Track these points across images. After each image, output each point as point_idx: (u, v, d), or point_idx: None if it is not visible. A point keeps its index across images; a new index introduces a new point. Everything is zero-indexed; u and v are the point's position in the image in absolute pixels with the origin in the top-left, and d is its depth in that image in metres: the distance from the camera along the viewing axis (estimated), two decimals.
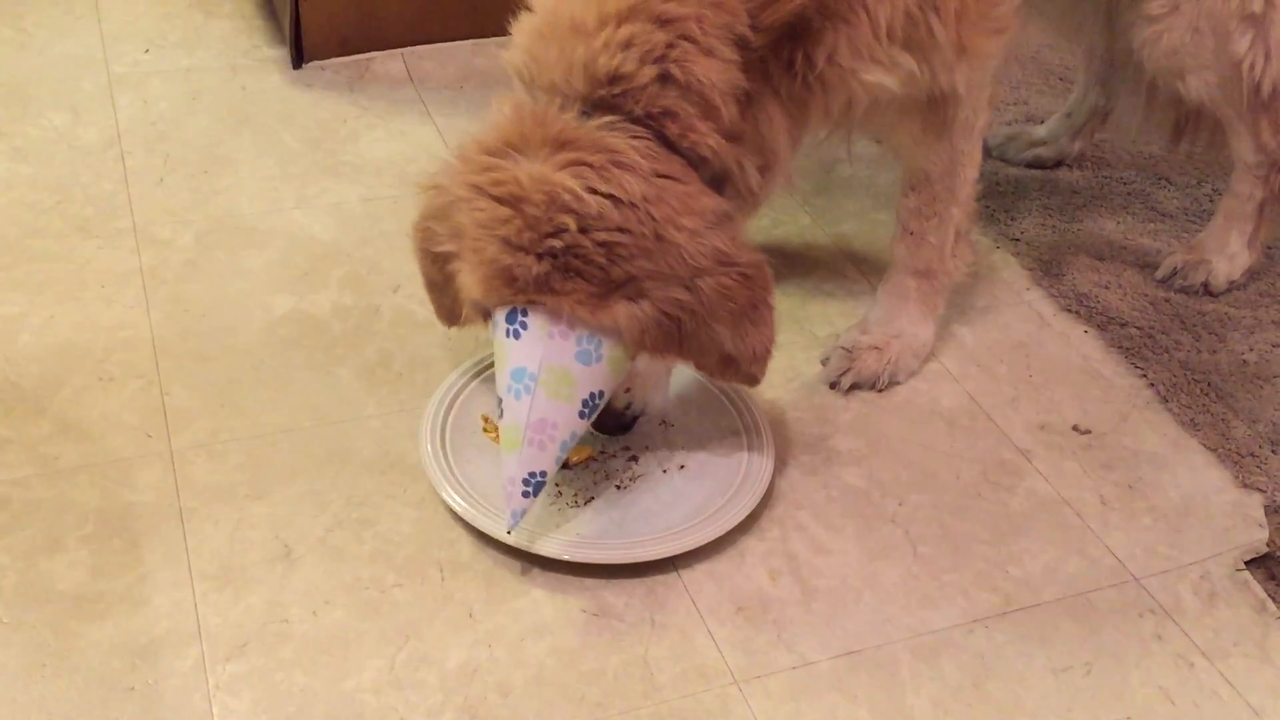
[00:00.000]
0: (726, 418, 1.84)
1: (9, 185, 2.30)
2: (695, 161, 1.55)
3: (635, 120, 1.51)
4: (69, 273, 2.10)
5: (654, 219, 1.49)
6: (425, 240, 1.65)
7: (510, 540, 1.61)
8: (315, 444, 1.80)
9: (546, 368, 1.52)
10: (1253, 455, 1.88)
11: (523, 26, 1.59)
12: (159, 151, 2.41)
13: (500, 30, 2.82)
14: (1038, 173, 2.51)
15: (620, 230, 1.47)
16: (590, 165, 1.47)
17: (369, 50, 2.74)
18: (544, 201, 1.47)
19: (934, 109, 1.81)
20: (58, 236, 2.18)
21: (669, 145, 1.52)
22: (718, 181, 1.59)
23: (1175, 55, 2.02)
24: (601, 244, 1.47)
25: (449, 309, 1.73)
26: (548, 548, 1.62)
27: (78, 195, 2.28)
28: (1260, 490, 1.82)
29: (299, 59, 2.69)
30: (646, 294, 1.50)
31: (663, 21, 1.50)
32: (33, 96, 2.54)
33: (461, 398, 1.83)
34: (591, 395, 1.56)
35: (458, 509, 1.66)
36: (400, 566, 1.63)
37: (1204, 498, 1.82)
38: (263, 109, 2.55)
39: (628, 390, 1.70)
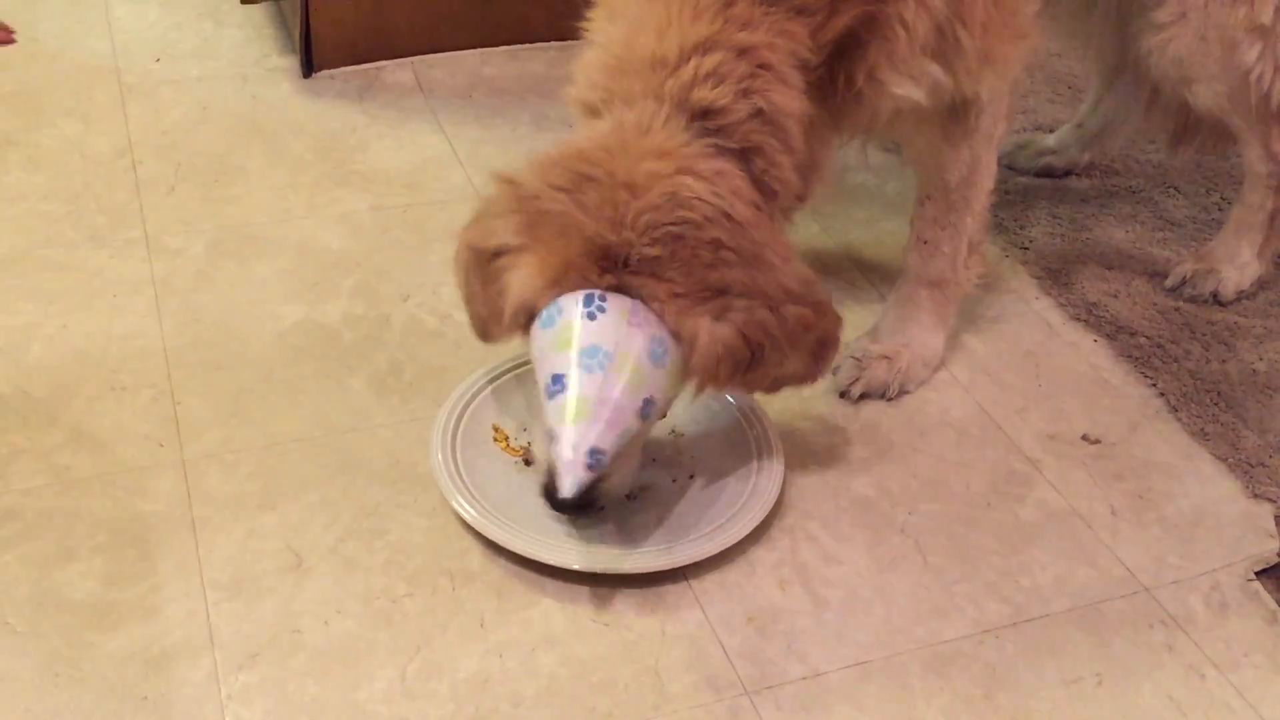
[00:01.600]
0: (736, 428, 1.84)
1: (21, 195, 2.31)
2: (768, 196, 1.56)
3: (732, 153, 1.52)
4: (80, 282, 2.10)
5: (754, 240, 1.50)
6: (477, 238, 1.59)
7: (522, 550, 1.62)
8: (326, 454, 1.81)
9: (620, 354, 1.48)
10: (1263, 465, 1.88)
11: (589, 63, 1.58)
12: (170, 161, 2.42)
13: (510, 39, 2.86)
14: (1047, 182, 2.51)
15: (730, 236, 1.49)
16: (703, 179, 1.48)
17: (379, 59, 2.75)
18: (662, 194, 1.47)
19: (954, 117, 1.82)
20: (69, 246, 2.19)
21: (755, 179, 1.54)
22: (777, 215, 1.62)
23: (1182, 64, 2.02)
24: (712, 242, 1.48)
25: (485, 318, 1.66)
26: (559, 557, 1.62)
27: (89, 205, 2.29)
28: (1270, 500, 1.82)
29: (309, 68, 2.70)
30: (731, 313, 1.50)
31: (741, 51, 1.50)
32: (44, 106, 2.55)
33: (472, 407, 1.83)
34: (651, 399, 1.52)
35: (469, 518, 1.67)
36: (411, 576, 1.63)
37: (1214, 508, 1.82)
38: (273, 118, 2.56)
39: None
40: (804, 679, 1.54)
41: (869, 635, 1.60)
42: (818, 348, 1.61)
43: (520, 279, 1.52)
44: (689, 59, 1.50)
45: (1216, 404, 1.98)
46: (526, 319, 1.54)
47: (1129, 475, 1.86)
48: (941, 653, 1.58)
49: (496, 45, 2.83)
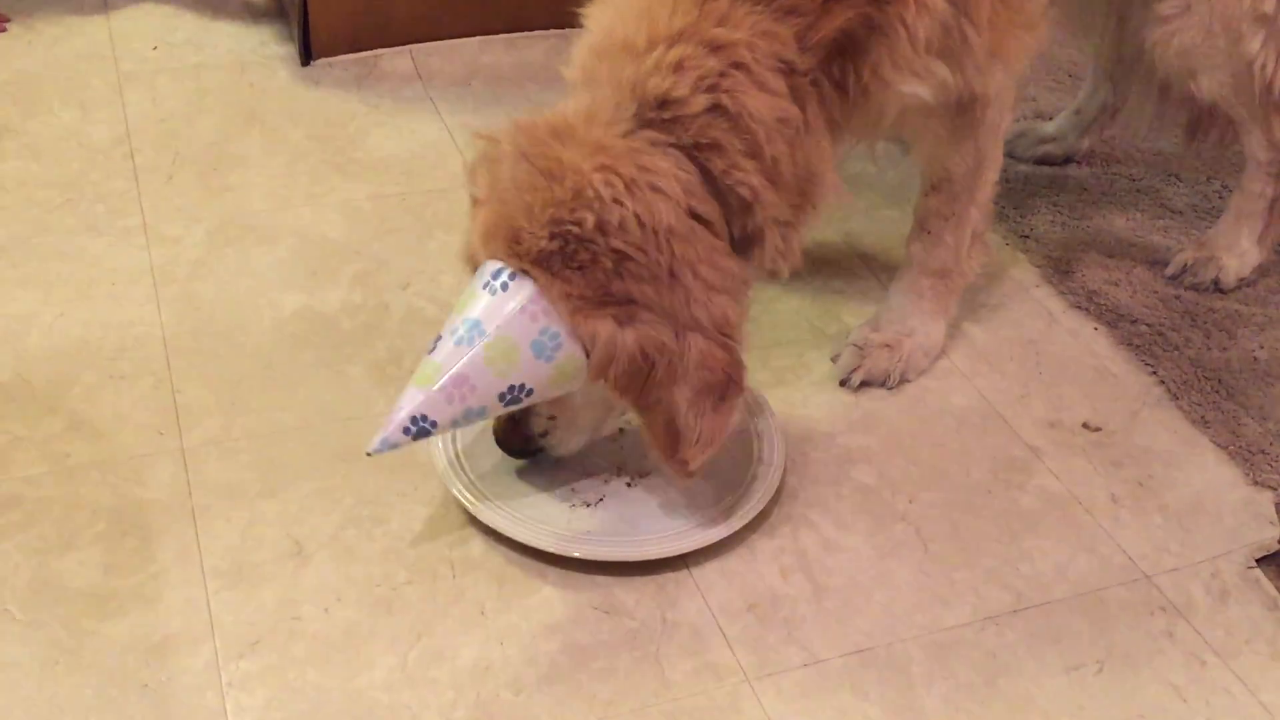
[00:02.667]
0: (736, 416, 1.83)
1: (19, 183, 2.30)
2: (735, 207, 1.52)
3: (682, 148, 1.49)
4: (79, 270, 2.10)
5: (673, 254, 1.46)
6: (470, 181, 1.61)
7: (523, 538, 1.62)
8: (326, 442, 1.80)
9: (500, 336, 1.48)
10: (1264, 452, 1.87)
11: (582, 43, 1.59)
12: (168, 149, 2.41)
13: (508, 27, 2.85)
14: (1047, 170, 2.51)
15: (639, 249, 1.45)
16: (622, 177, 1.45)
17: (377, 47, 2.74)
18: (572, 189, 1.45)
19: (961, 112, 1.80)
20: (68, 234, 2.18)
21: (711, 181, 1.50)
22: (748, 241, 1.57)
23: (1187, 56, 2.02)
24: (615, 252, 1.45)
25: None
26: (559, 545, 1.62)
27: (87, 193, 2.28)
28: (1271, 488, 1.82)
29: (307, 56, 2.69)
30: (635, 323, 1.46)
31: (714, 47, 1.47)
32: (42, 94, 2.54)
33: None
34: (520, 386, 1.50)
35: (469, 506, 1.66)
36: (412, 564, 1.63)
37: (1215, 495, 1.82)
38: (271, 106, 2.55)
39: (551, 418, 1.65)
40: (805, 666, 1.54)
41: (870, 622, 1.60)
42: (718, 392, 1.51)
43: (474, 227, 1.55)
44: (655, 47, 1.48)
45: (1217, 391, 1.98)
46: (472, 268, 1.57)
47: (1129, 463, 1.86)
48: (942, 640, 1.59)
49: (495, 33, 2.82)
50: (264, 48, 2.73)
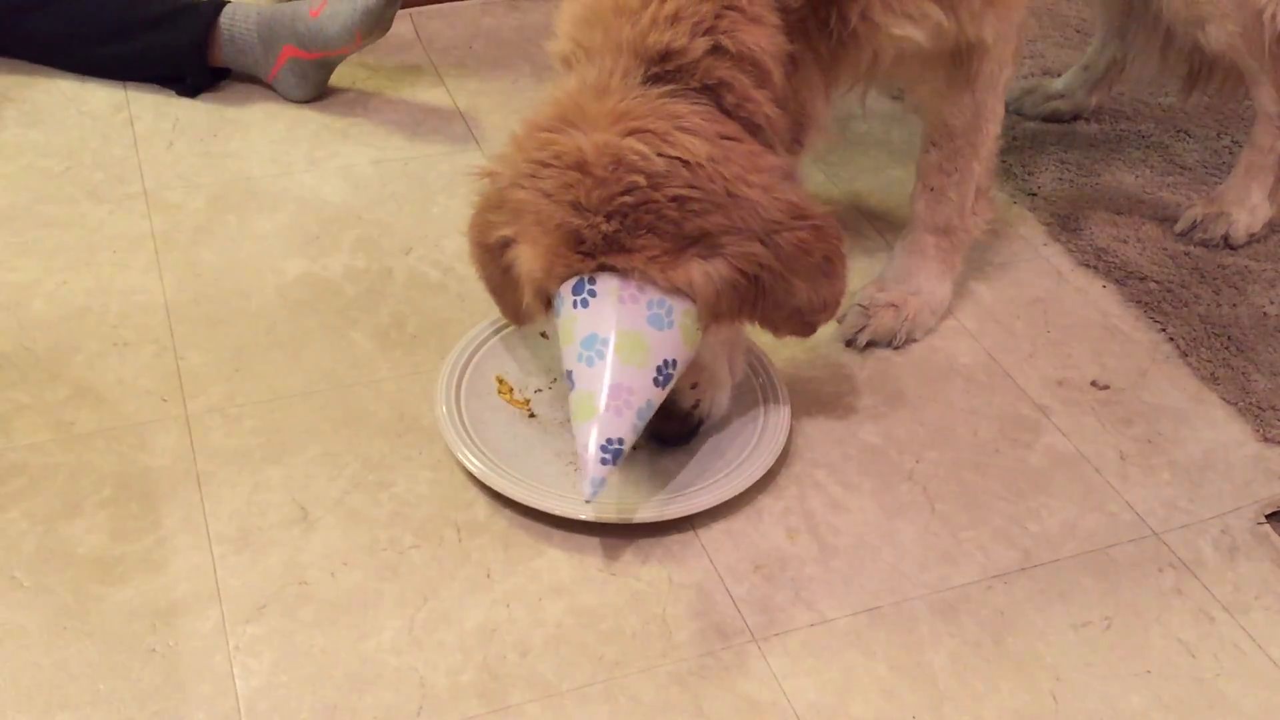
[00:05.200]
0: (742, 377, 1.82)
1: (19, 151, 2.29)
2: (751, 128, 1.54)
3: (693, 91, 1.50)
4: (80, 238, 2.09)
5: (724, 177, 1.47)
6: (481, 234, 1.61)
7: (528, 501, 1.62)
8: (330, 407, 1.80)
9: (619, 333, 1.48)
10: (1273, 409, 1.86)
11: (565, 15, 1.58)
12: (167, 116, 2.39)
13: None
14: (1055, 126, 2.48)
15: (692, 186, 1.46)
16: (653, 132, 1.46)
17: None
18: (610, 164, 1.45)
19: (959, 62, 1.79)
20: (68, 202, 2.17)
21: (726, 113, 1.52)
22: (768, 147, 1.57)
23: (1195, 4, 1.99)
24: (674, 198, 1.45)
25: (514, 305, 1.67)
26: (565, 507, 1.62)
27: (87, 160, 2.27)
28: None
29: None
30: (721, 251, 1.48)
31: None
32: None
33: (476, 359, 1.82)
34: (666, 362, 1.51)
35: (474, 470, 1.66)
36: (417, 528, 1.63)
37: (1224, 452, 1.80)
38: None
39: (694, 387, 1.66)
40: (812, 626, 1.54)
41: (877, 582, 1.59)
42: (825, 267, 1.56)
43: (525, 270, 1.54)
44: (649, 4, 1.48)
45: (1227, 348, 1.97)
46: (545, 301, 1.56)
47: (1138, 420, 1.85)
48: (950, 598, 1.58)
49: None
50: None
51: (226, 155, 2.30)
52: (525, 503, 1.63)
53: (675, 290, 1.49)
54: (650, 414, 1.54)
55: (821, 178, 2.32)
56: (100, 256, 2.05)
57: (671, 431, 1.69)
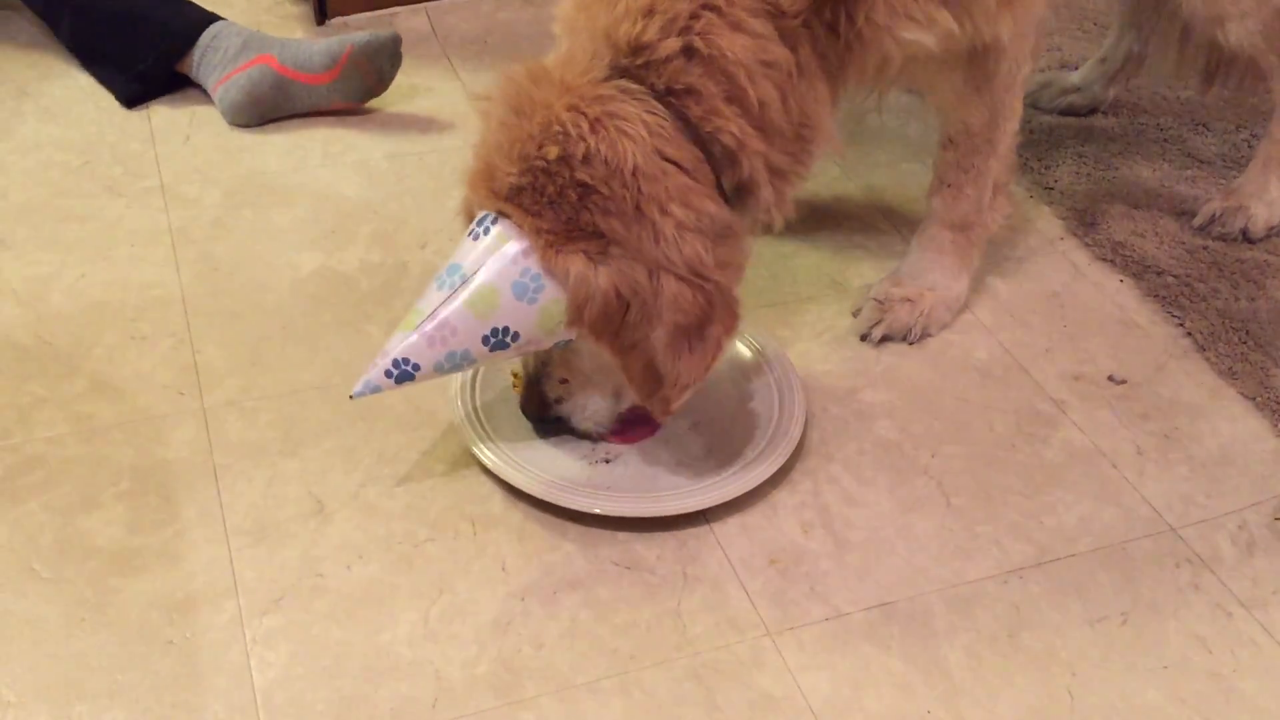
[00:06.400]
0: (756, 370, 1.83)
1: (36, 145, 2.30)
2: (719, 156, 1.49)
3: (657, 96, 1.46)
4: (98, 232, 2.10)
5: (640, 193, 1.43)
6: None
7: (543, 495, 1.62)
8: (346, 401, 1.79)
9: (481, 282, 1.48)
10: None
11: None
12: (184, 109, 2.40)
13: None
14: (1072, 120, 2.47)
15: (603, 182, 1.43)
16: (587, 116, 1.43)
17: (392, 5, 2.72)
18: (540, 125, 1.45)
19: (975, 62, 1.76)
20: (86, 196, 2.18)
21: (690, 129, 1.47)
22: (742, 191, 1.54)
23: (1215, 3, 1.98)
24: (579, 184, 1.43)
25: None
26: (579, 501, 1.62)
27: (105, 155, 2.28)
28: None
29: (322, 15, 2.67)
30: (608, 260, 1.44)
31: None
32: (57, 56, 2.53)
33: None
34: (504, 329, 1.49)
35: (489, 464, 1.66)
36: (433, 521, 1.64)
37: (1242, 446, 1.79)
38: None
39: (564, 382, 1.65)
40: (827, 620, 1.54)
41: (892, 576, 1.59)
42: (694, 335, 1.47)
43: (464, 177, 1.56)
44: None
45: (1245, 343, 1.95)
46: (469, 219, 1.56)
47: (1155, 415, 1.84)
48: (965, 593, 1.58)
49: None
50: (279, 7, 2.72)
51: (242, 150, 2.31)
52: (540, 497, 1.63)
53: (552, 272, 1.45)
54: (463, 367, 1.53)
55: (837, 172, 2.31)
56: (118, 250, 2.06)
57: (529, 407, 1.69)
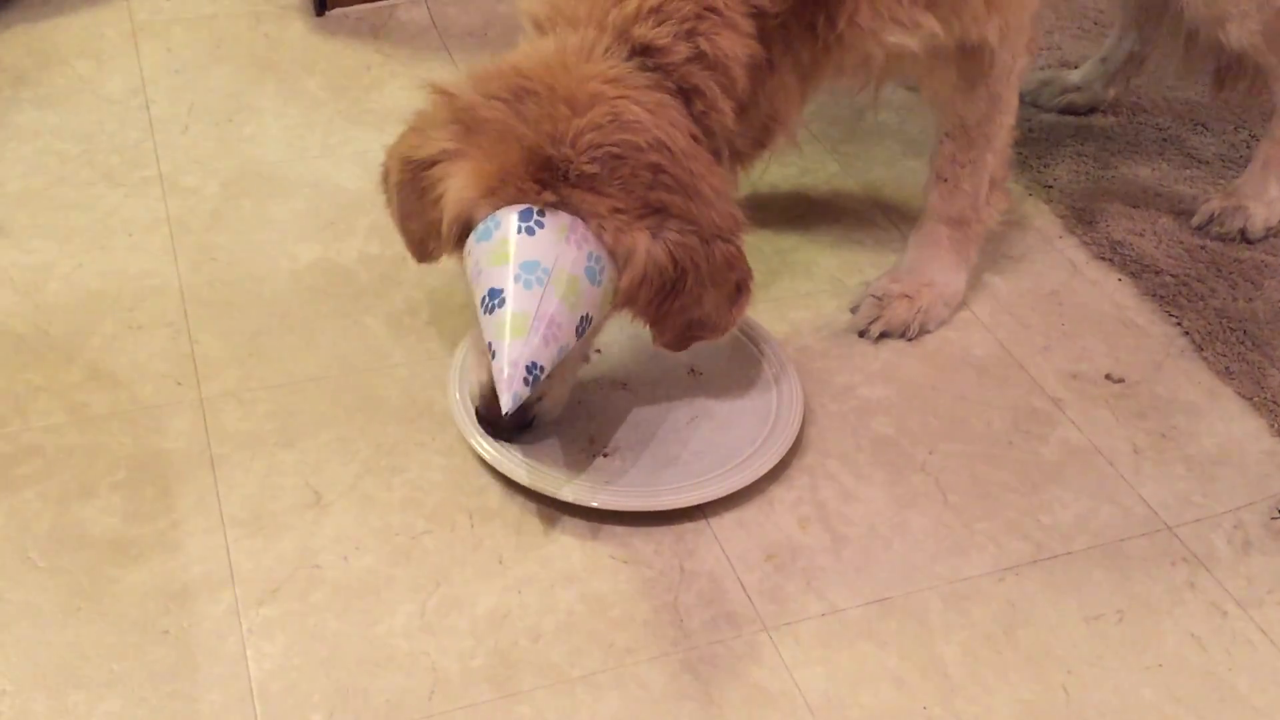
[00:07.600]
0: (755, 366, 1.83)
1: (35, 134, 2.29)
2: (707, 136, 1.57)
3: (669, 91, 1.53)
4: (96, 221, 2.10)
5: (690, 170, 1.50)
6: (410, 149, 1.56)
7: (538, 487, 1.62)
8: (343, 392, 1.80)
9: (559, 269, 1.47)
10: None
11: None
12: (183, 100, 2.40)
13: None
14: (1071, 119, 2.47)
15: (671, 163, 1.49)
16: (643, 105, 1.48)
17: None
18: (607, 115, 1.47)
19: (969, 57, 1.77)
20: (84, 185, 2.18)
21: (692, 118, 1.54)
22: (715, 155, 1.61)
23: (1216, 3, 1.98)
24: (651, 166, 1.48)
25: (421, 235, 1.62)
26: (577, 495, 1.62)
27: (103, 144, 2.28)
28: None
29: (322, 6, 2.66)
30: (666, 232, 1.50)
31: None
32: (57, 45, 2.53)
33: None
34: (587, 316, 1.50)
35: (486, 456, 1.66)
36: (430, 513, 1.63)
37: (1238, 446, 1.80)
38: (286, 57, 2.53)
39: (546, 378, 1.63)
40: (823, 615, 1.54)
41: (889, 572, 1.59)
42: (735, 292, 1.59)
43: (457, 187, 1.50)
44: None
45: (1242, 342, 1.96)
46: (463, 232, 1.52)
47: (1152, 414, 1.85)
48: (961, 590, 1.58)
49: None
50: None
51: (241, 140, 2.30)
52: (538, 489, 1.63)
53: (612, 252, 1.49)
54: (561, 358, 1.51)
55: (836, 168, 2.31)
56: (116, 240, 2.06)
57: (509, 420, 1.61)
